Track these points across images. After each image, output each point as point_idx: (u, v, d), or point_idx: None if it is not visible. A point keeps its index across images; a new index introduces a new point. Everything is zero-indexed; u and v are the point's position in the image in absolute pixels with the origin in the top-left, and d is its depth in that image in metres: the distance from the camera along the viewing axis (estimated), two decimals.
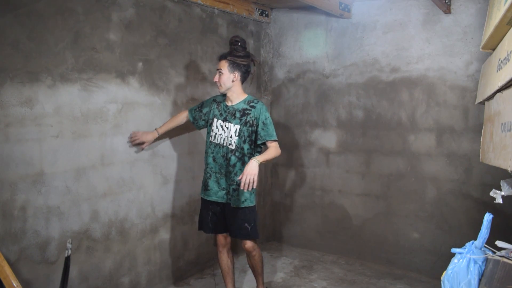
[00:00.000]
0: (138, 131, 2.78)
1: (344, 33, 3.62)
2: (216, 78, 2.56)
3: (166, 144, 3.06)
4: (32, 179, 2.24)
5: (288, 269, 3.49)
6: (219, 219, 2.66)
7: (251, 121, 2.54)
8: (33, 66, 2.21)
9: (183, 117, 2.88)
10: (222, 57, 2.56)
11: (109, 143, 2.64)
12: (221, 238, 2.71)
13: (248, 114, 2.55)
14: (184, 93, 3.17)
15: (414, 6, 3.24)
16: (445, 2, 2.99)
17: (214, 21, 3.42)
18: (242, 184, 2.32)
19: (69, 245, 2.13)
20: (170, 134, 3.07)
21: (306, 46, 3.87)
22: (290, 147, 4.02)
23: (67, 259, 2.13)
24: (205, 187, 2.65)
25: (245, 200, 2.57)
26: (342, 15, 3.47)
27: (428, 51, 3.21)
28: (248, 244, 2.64)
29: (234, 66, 2.54)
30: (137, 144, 2.78)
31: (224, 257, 2.74)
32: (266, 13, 3.93)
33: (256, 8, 3.80)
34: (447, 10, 3.04)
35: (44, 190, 2.29)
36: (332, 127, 3.75)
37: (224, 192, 2.59)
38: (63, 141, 2.38)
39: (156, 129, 2.84)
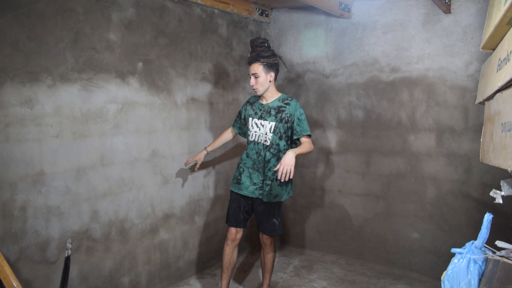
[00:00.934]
0: (189, 157, 3.02)
1: (344, 33, 3.62)
2: (252, 82, 2.60)
3: (166, 144, 3.06)
4: (32, 179, 2.24)
5: (288, 269, 3.49)
6: (243, 213, 2.74)
7: (286, 118, 2.61)
8: (33, 66, 2.21)
9: (228, 133, 2.99)
10: (254, 61, 2.58)
11: (109, 143, 2.64)
12: (233, 232, 2.75)
13: (283, 111, 2.62)
14: (184, 93, 3.17)
15: (414, 6, 3.24)
16: (445, 2, 2.99)
17: (214, 21, 3.42)
18: (279, 174, 2.39)
19: (69, 245, 2.13)
20: (170, 134, 3.08)
21: (306, 46, 3.87)
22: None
23: (67, 259, 2.13)
24: (237, 181, 2.73)
25: (277, 195, 2.66)
26: (342, 15, 3.47)
27: (428, 51, 3.21)
28: (270, 238, 2.74)
29: (269, 66, 2.59)
30: (192, 165, 3.02)
31: (229, 251, 2.76)
32: (266, 13, 3.93)
33: (256, 8, 3.80)
34: (447, 10, 3.04)
35: (44, 190, 2.29)
36: (332, 127, 3.75)
37: (255, 187, 2.66)
38: (63, 141, 2.38)
39: (205, 148, 2.98)
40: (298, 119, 2.61)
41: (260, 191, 2.66)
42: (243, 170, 2.71)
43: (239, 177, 2.72)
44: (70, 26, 2.37)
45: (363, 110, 3.56)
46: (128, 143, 2.76)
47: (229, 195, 2.89)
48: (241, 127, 2.88)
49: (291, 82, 3.98)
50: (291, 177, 2.42)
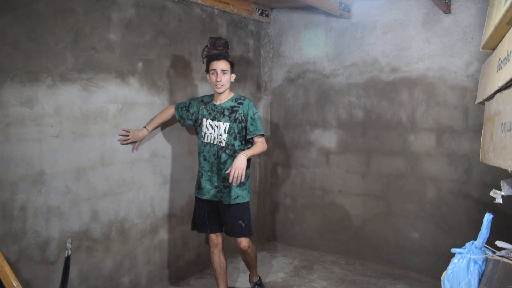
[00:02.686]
0: (129, 129, 2.72)
1: (344, 33, 3.62)
2: (220, 78, 2.52)
3: (166, 144, 3.06)
4: (32, 179, 2.24)
5: (288, 269, 3.49)
6: (213, 217, 2.70)
7: (240, 118, 2.59)
8: (33, 66, 2.21)
9: (170, 113, 2.87)
10: (223, 57, 2.55)
11: (109, 143, 2.64)
12: (213, 238, 2.73)
13: (237, 111, 2.61)
14: (184, 93, 3.17)
15: (414, 6, 3.24)
16: (445, 2, 2.99)
17: (214, 21, 3.42)
18: (230, 178, 2.39)
19: (69, 245, 2.13)
20: (170, 134, 3.08)
21: (306, 46, 3.87)
22: (290, 147, 4.01)
23: (67, 259, 2.13)
24: (198, 186, 2.70)
25: (237, 196, 2.60)
26: (342, 15, 3.47)
27: (428, 51, 3.21)
28: (244, 243, 2.66)
29: (232, 67, 2.62)
30: (128, 143, 2.73)
31: (216, 257, 2.75)
32: (266, 13, 3.93)
33: (256, 8, 3.80)
34: (447, 10, 3.04)
35: (44, 190, 2.29)
36: (332, 127, 3.75)
37: (216, 190, 2.63)
38: (63, 141, 2.38)
39: (145, 126, 2.80)
40: (252, 118, 2.59)
41: (221, 194, 2.63)
42: (202, 175, 2.66)
43: (199, 182, 2.68)
44: (70, 26, 2.37)
45: (363, 110, 3.56)
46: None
47: None
48: (184, 118, 2.78)
49: (291, 82, 3.98)
50: (242, 180, 2.42)
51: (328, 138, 3.78)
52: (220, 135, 2.59)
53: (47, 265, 2.33)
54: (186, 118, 2.78)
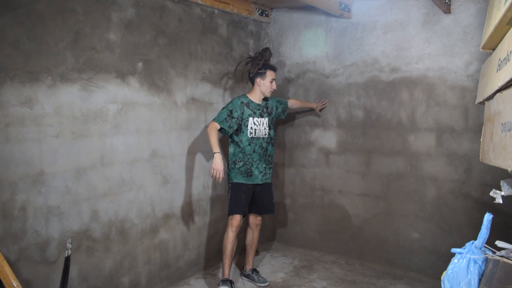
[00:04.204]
0: (213, 169, 2.81)
1: (344, 33, 3.62)
2: (275, 86, 3.09)
3: (166, 144, 3.06)
4: (32, 179, 2.24)
5: (288, 269, 3.49)
6: (248, 201, 3.09)
7: (272, 111, 3.20)
8: (33, 66, 2.21)
9: (217, 130, 2.93)
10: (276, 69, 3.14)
11: (109, 143, 2.64)
12: (239, 219, 3.02)
13: (268, 106, 3.17)
14: (184, 93, 3.17)
15: (414, 6, 3.24)
16: (445, 2, 2.99)
17: (214, 21, 3.42)
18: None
19: (69, 245, 2.14)
20: (170, 134, 3.08)
21: (306, 46, 3.86)
22: (290, 147, 4.02)
23: (67, 259, 2.13)
24: (248, 174, 3.05)
25: (271, 175, 3.20)
26: (342, 15, 3.47)
27: (428, 51, 3.21)
28: (261, 218, 3.24)
29: None
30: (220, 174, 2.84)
31: (235, 238, 3.02)
32: (266, 13, 3.93)
33: (256, 8, 3.80)
34: (447, 10, 3.04)
35: (44, 190, 2.29)
36: (332, 127, 3.75)
37: (261, 174, 3.10)
38: (63, 141, 2.38)
39: (215, 153, 2.84)
40: (278, 101, 3.29)
41: (265, 177, 3.12)
42: (252, 164, 3.05)
43: (249, 171, 3.04)
44: (70, 26, 2.37)
45: (363, 110, 3.56)
46: (128, 143, 2.76)
47: (228, 195, 3.09)
48: (232, 126, 2.97)
49: (291, 82, 3.98)
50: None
51: (328, 138, 3.78)
52: (265, 129, 3.10)
53: (47, 265, 2.33)
54: (235, 124, 2.99)
